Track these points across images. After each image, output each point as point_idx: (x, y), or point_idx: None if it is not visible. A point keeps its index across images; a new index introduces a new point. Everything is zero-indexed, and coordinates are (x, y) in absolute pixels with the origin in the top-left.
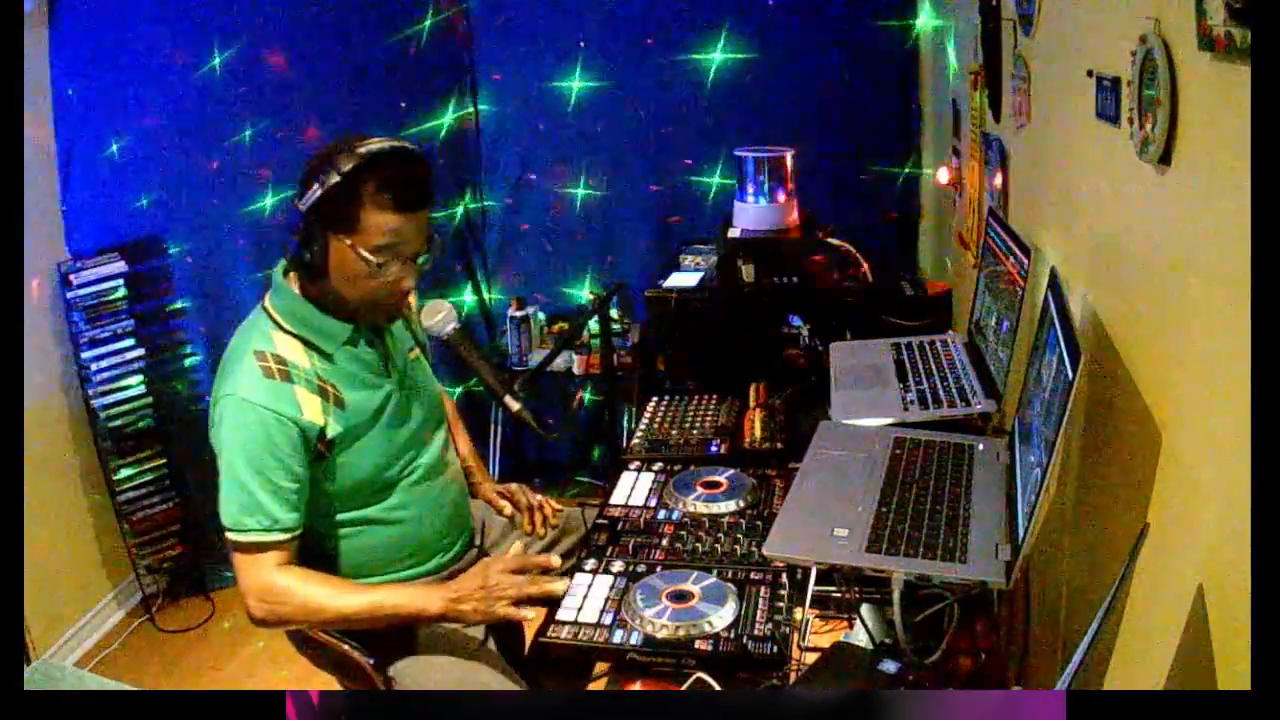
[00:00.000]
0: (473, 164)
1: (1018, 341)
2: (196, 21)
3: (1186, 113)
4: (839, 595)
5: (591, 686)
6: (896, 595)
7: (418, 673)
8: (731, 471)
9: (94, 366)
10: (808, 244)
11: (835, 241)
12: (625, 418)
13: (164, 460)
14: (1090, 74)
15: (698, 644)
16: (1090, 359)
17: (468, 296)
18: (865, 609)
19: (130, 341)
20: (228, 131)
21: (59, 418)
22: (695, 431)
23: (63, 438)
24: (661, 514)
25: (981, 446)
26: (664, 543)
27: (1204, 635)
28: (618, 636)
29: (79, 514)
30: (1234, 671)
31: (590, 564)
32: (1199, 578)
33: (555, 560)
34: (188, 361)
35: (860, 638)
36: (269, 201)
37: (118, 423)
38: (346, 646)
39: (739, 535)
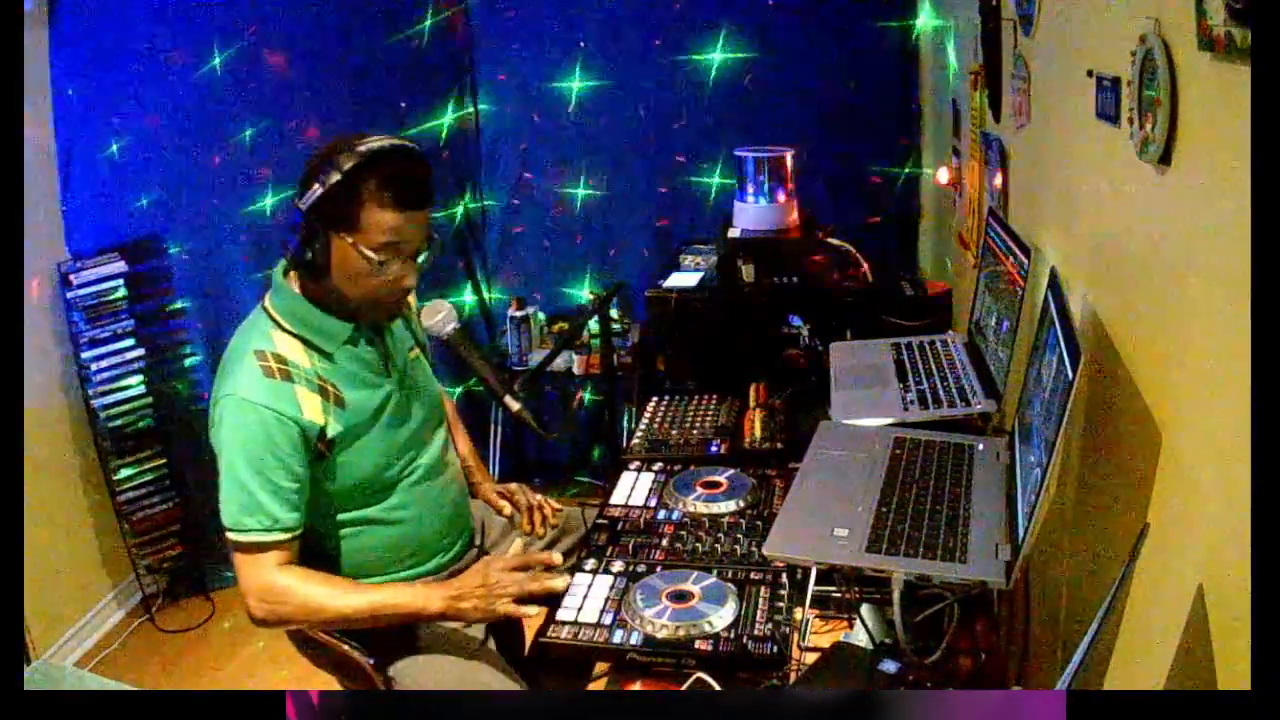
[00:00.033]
0: (473, 164)
1: (1018, 341)
2: (196, 21)
3: (1186, 113)
4: (839, 595)
5: (591, 686)
6: (896, 595)
7: (418, 673)
8: (731, 471)
9: (94, 366)
10: (808, 244)
11: (835, 241)
12: (625, 418)
13: (164, 460)
14: (1090, 74)
15: (698, 644)
16: (1090, 359)
17: (468, 296)
18: (865, 609)
19: (130, 341)
20: (228, 131)
21: (59, 418)
22: (695, 431)
23: (63, 438)
24: (661, 514)
25: (981, 446)
26: (664, 543)
27: (1204, 635)
28: (618, 636)
29: (79, 514)
30: (1234, 671)
31: (590, 564)
32: (1199, 578)
33: (556, 557)
34: (188, 361)
35: (860, 638)
36: (269, 201)
37: (118, 423)
38: (346, 646)
39: (739, 535)
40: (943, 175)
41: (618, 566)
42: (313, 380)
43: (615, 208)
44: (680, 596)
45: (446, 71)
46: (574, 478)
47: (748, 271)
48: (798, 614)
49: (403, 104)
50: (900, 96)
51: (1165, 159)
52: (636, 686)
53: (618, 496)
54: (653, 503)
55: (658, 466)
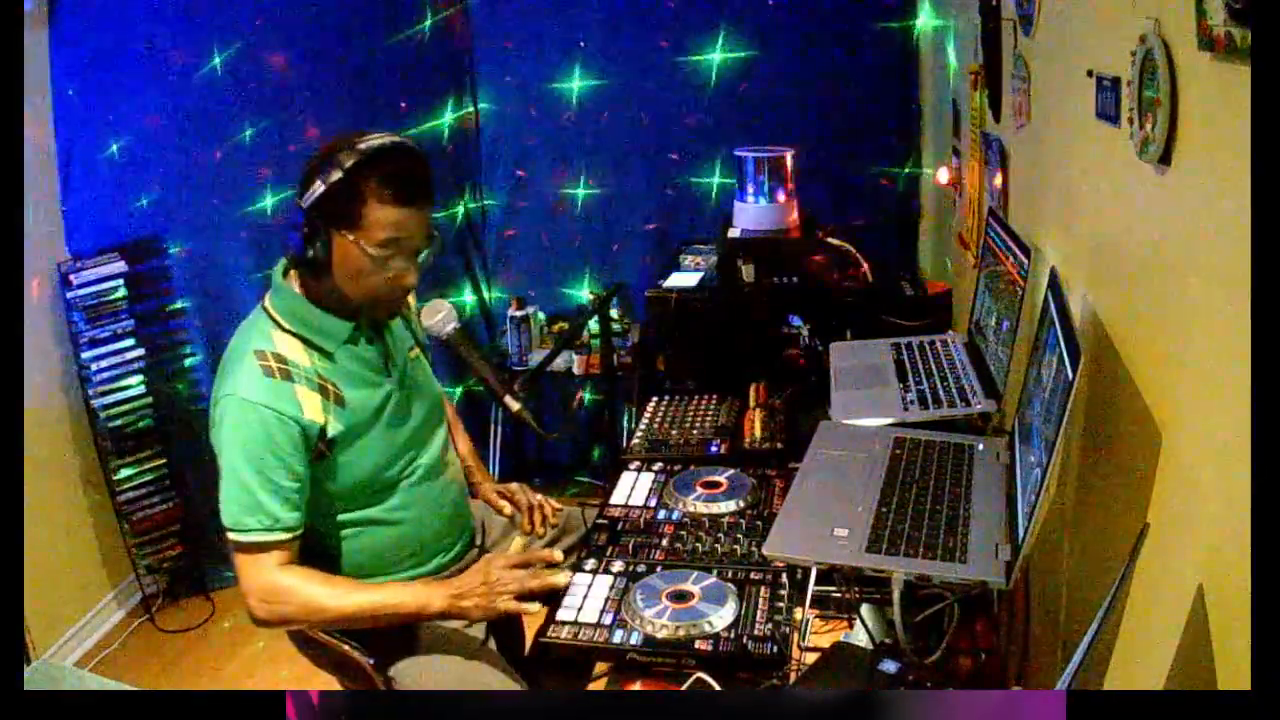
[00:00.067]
0: (473, 164)
1: (1018, 341)
2: (196, 21)
3: (1186, 113)
4: (839, 595)
5: (591, 686)
6: (896, 595)
7: (418, 673)
8: (731, 471)
9: (94, 366)
10: (808, 244)
11: (835, 241)
12: (625, 418)
13: (164, 460)
14: (1090, 74)
15: (698, 644)
16: (1090, 359)
17: (468, 296)
18: (865, 609)
19: (130, 341)
20: (228, 131)
21: (59, 418)
22: (695, 431)
23: (63, 438)
24: (661, 514)
25: (981, 446)
26: (664, 543)
27: (1204, 635)
28: (618, 636)
29: (79, 514)
30: (1234, 671)
31: (590, 564)
32: (1199, 578)
33: (558, 554)
34: (188, 361)
35: (860, 638)
36: (269, 201)
37: (118, 423)
38: (347, 647)
39: (739, 535)
40: (943, 175)
41: (618, 566)
42: (313, 380)
43: (615, 208)
44: (680, 596)
45: (446, 71)
46: (574, 478)
47: (748, 271)
48: (798, 614)
49: (403, 104)
50: (900, 96)
51: (1165, 159)
52: (636, 686)
53: (618, 496)
54: (653, 503)
55: (658, 466)
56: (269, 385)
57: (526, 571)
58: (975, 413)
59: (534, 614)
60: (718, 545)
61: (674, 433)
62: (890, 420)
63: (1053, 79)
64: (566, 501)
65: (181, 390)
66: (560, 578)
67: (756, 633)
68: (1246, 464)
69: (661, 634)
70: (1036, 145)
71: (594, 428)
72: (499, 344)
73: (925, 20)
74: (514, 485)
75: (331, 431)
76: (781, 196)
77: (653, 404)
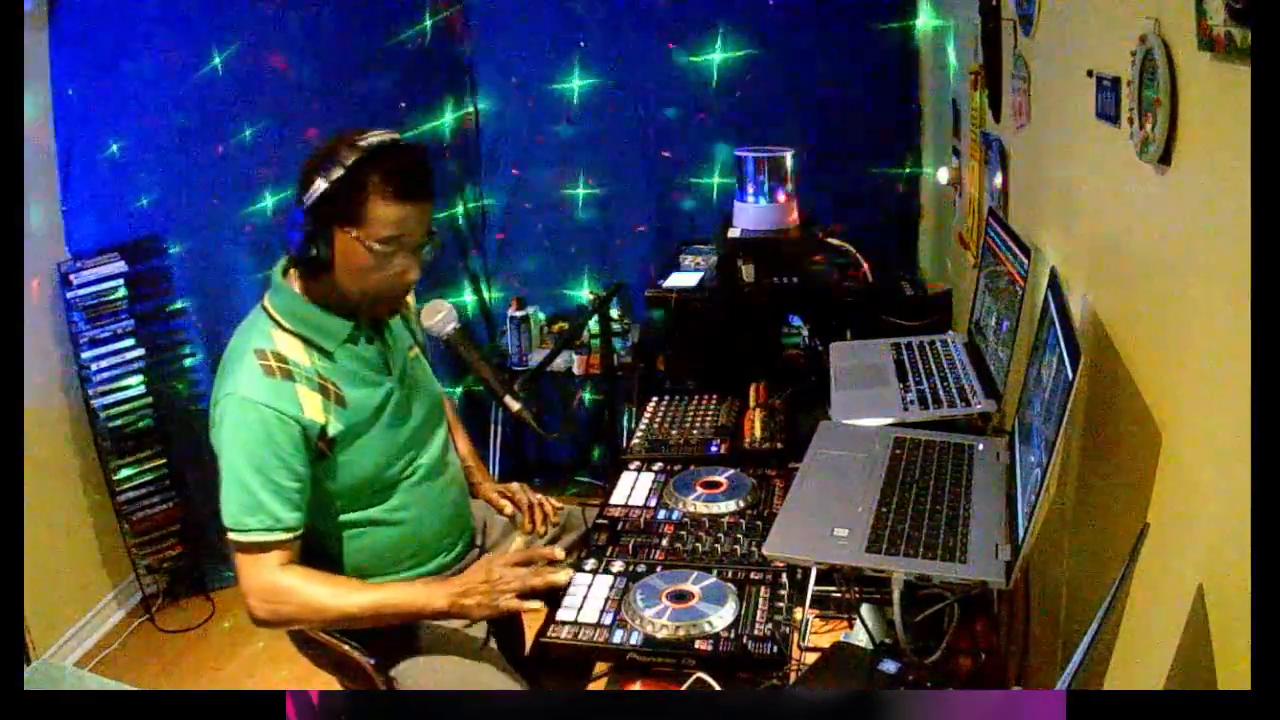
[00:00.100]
0: (473, 164)
1: (1018, 341)
2: (196, 21)
3: (1186, 113)
4: (839, 595)
5: (591, 686)
6: (896, 595)
7: (419, 673)
8: (731, 471)
9: (94, 366)
10: (808, 244)
11: (835, 241)
12: (625, 418)
13: (164, 460)
14: (1090, 74)
15: (698, 644)
16: (1090, 359)
17: (468, 296)
18: (865, 609)
19: (130, 341)
20: (228, 131)
21: (59, 418)
22: (695, 431)
23: (63, 438)
24: (661, 514)
25: (981, 446)
26: (664, 543)
27: (1204, 635)
28: (618, 636)
29: (79, 514)
30: (1234, 671)
31: (590, 564)
32: (1199, 578)
33: (559, 552)
34: (188, 361)
35: (860, 638)
36: (269, 201)
37: (118, 423)
38: (347, 647)
39: (739, 535)
40: (943, 175)
41: (618, 566)
42: (313, 379)
43: (615, 208)
44: (680, 596)
45: (446, 71)
46: (574, 478)
47: (748, 271)
48: (798, 614)
49: (403, 104)
50: (900, 96)
51: (1165, 159)
52: (636, 686)
53: (618, 496)
54: (653, 503)
55: (658, 466)
56: (269, 384)
57: (528, 569)
58: (975, 413)
59: (536, 611)
60: (718, 545)
61: (674, 433)
62: (890, 420)
63: (1053, 79)
64: (567, 500)
65: (181, 390)
66: (562, 575)
67: (756, 633)
68: (1246, 464)
69: (661, 634)
70: (1036, 145)
71: (594, 428)
72: (499, 344)
73: (925, 20)
74: (514, 485)
75: (332, 431)
76: (781, 196)
77: (653, 404)
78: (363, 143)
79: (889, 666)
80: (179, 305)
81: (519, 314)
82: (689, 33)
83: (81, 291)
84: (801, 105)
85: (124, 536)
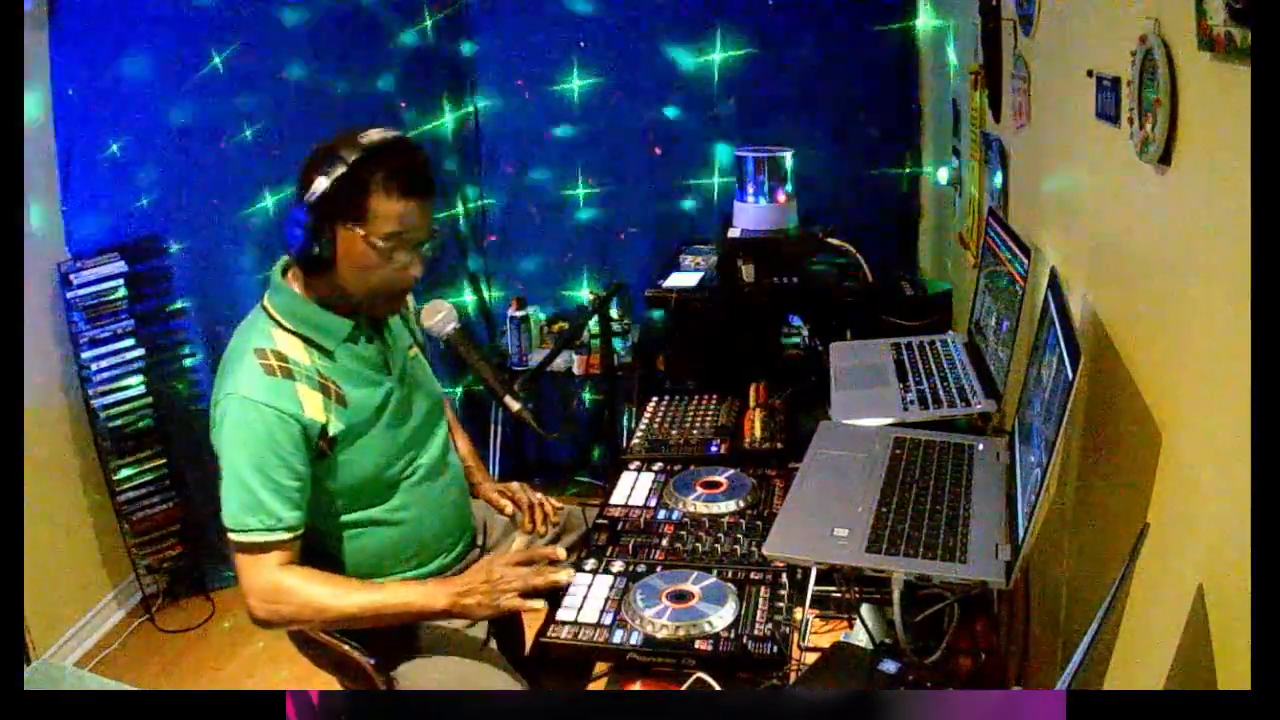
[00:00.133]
0: (473, 164)
1: (1018, 341)
2: (196, 21)
3: (1186, 113)
4: (839, 595)
5: (591, 686)
6: (896, 595)
7: (419, 673)
8: (731, 471)
9: (94, 366)
10: (808, 244)
11: (835, 241)
12: (625, 418)
13: (164, 460)
14: (1090, 74)
15: (698, 644)
16: (1090, 359)
17: (468, 296)
18: (865, 609)
19: (130, 341)
20: (228, 131)
21: (59, 418)
22: (695, 431)
23: (63, 438)
24: (661, 514)
25: (981, 446)
26: (664, 543)
27: (1204, 635)
28: (618, 636)
29: (79, 514)
30: (1234, 671)
31: (590, 564)
32: (1199, 578)
33: (560, 552)
34: (188, 361)
35: (860, 638)
36: (269, 201)
37: (118, 423)
38: (347, 647)
39: (739, 535)
40: (943, 175)
41: (618, 566)
42: (314, 378)
43: (615, 208)
44: (680, 596)
45: (446, 71)
46: (574, 478)
47: (748, 271)
48: (798, 614)
49: (403, 104)
50: (900, 96)
51: (1165, 159)
52: (636, 686)
53: (618, 496)
54: (653, 503)
55: (658, 466)
56: (270, 384)
57: (530, 569)
58: (975, 413)
59: (538, 611)
60: (718, 545)
61: (674, 433)
62: (890, 420)
63: (1053, 79)
64: (567, 501)
65: (181, 390)
66: (563, 575)
67: (756, 633)
68: (1246, 464)
69: (661, 634)
70: (1036, 145)
71: (594, 428)
72: (499, 344)
73: (925, 20)
74: (514, 484)
75: (333, 430)
76: (781, 196)
77: (653, 404)
78: (364, 140)
79: (889, 666)
80: (179, 305)
81: (519, 314)
82: (689, 33)
83: (81, 291)
84: (801, 105)
85: (124, 536)
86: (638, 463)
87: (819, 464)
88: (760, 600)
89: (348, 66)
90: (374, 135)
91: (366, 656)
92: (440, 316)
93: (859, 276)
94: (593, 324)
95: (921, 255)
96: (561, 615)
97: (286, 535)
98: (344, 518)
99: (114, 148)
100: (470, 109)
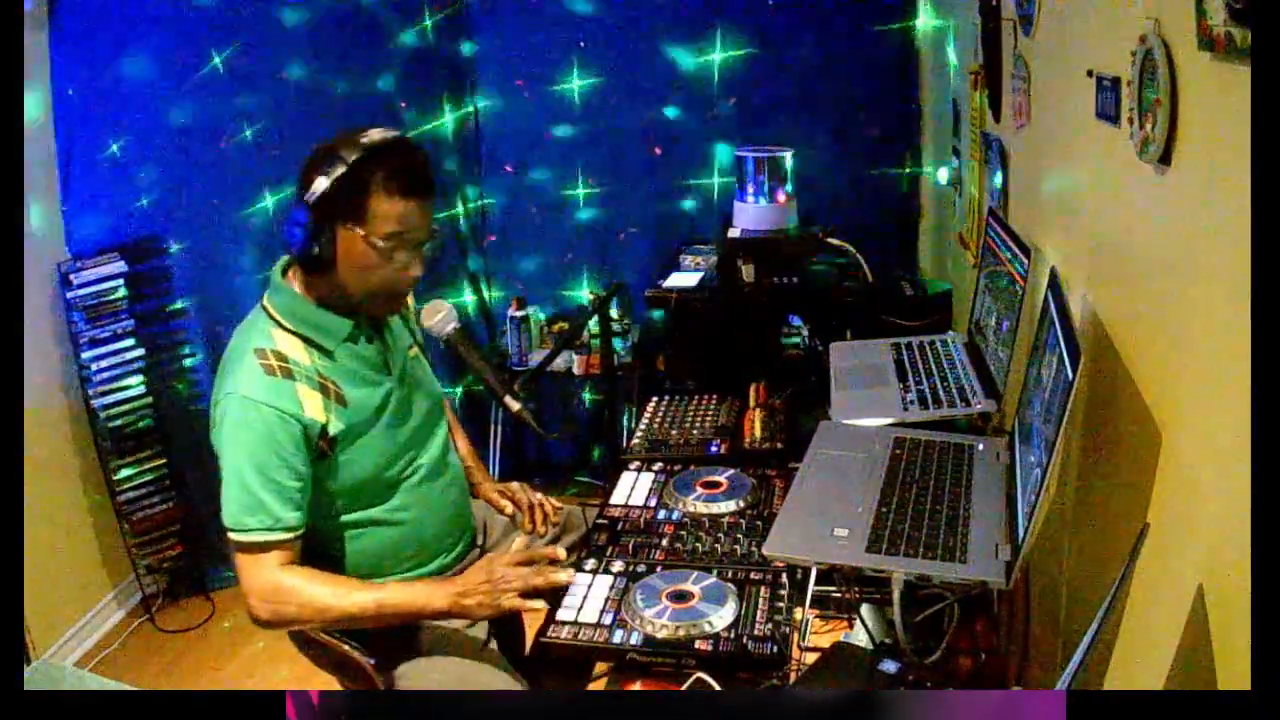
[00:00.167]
0: (473, 164)
1: (1018, 341)
2: (196, 21)
3: (1186, 113)
4: (839, 595)
5: (591, 686)
6: (896, 595)
7: (419, 673)
8: (731, 471)
9: (94, 366)
10: (808, 244)
11: (835, 241)
12: (625, 418)
13: (164, 460)
14: (1090, 74)
15: (698, 644)
16: (1090, 359)
17: (468, 296)
18: (865, 609)
19: (130, 341)
20: (228, 131)
21: (59, 418)
22: (695, 431)
23: (63, 438)
24: (661, 514)
25: (981, 446)
26: (664, 543)
27: (1204, 635)
28: (618, 636)
29: (79, 514)
30: (1234, 671)
31: (590, 564)
32: (1199, 578)
33: (561, 552)
34: (188, 361)
35: (860, 638)
36: (269, 201)
37: (118, 423)
38: (347, 647)
39: (739, 535)
40: (943, 175)
41: (618, 566)
42: (314, 378)
43: (615, 208)
44: (680, 596)
45: (446, 71)
46: (574, 478)
47: (748, 271)
48: (798, 614)
49: (403, 104)
50: (900, 96)
51: (1165, 159)
52: (636, 686)
53: (618, 496)
54: (653, 503)
55: (658, 466)
56: (270, 383)
57: (530, 569)
58: (975, 413)
59: (538, 611)
60: (718, 545)
61: (674, 433)
62: (890, 420)
63: (1053, 79)
64: (567, 501)
65: (181, 390)
66: (564, 575)
67: (756, 633)
68: (1246, 464)
69: (661, 634)
70: (1036, 145)
71: (594, 428)
72: (499, 344)
73: (925, 20)
74: (514, 484)
75: (333, 430)
76: (781, 196)
77: (653, 404)
78: (364, 140)
79: (889, 666)
80: (179, 305)
81: (519, 314)
82: (689, 33)
83: (81, 291)
84: (801, 105)
85: (124, 536)
86: (638, 463)
87: (819, 464)
88: (760, 600)
89: (348, 66)
90: (374, 135)
91: (366, 656)
92: (440, 316)
93: (859, 276)
94: (593, 324)
95: (921, 255)
96: (561, 615)
97: (287, 535)
98: (344, 518)
99: (114, 148)
100: (470, 109)
